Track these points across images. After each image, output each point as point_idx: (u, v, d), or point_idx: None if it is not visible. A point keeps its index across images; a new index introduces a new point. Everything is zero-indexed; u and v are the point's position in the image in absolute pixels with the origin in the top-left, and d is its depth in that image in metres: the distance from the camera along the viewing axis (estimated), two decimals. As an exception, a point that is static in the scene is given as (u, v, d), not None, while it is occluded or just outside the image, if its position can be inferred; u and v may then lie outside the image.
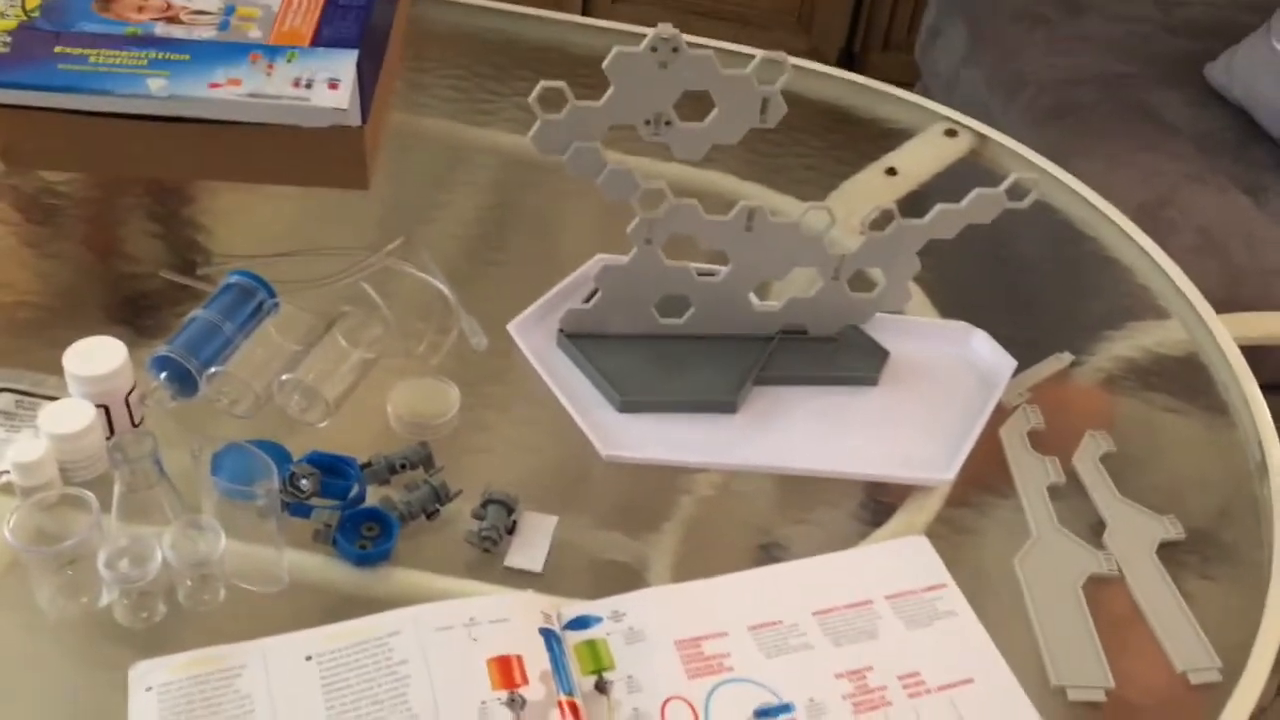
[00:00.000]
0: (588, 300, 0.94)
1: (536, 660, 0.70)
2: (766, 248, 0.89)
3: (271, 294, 0.92)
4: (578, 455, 0.87)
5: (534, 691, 0.68)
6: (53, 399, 0.84)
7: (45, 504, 0.71)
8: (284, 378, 0.85)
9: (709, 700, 0.71)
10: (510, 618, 0.72)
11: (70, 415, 0.78)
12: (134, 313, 0.96)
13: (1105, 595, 0.80)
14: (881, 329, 0.96)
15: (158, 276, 0.96)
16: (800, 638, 0.75)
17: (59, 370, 0.81)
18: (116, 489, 0.72)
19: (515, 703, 0.67)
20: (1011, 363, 0.95)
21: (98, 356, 0.80)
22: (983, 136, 1.21)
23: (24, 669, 0.72)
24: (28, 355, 0.88)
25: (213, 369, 0.85)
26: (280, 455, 0.82)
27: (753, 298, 0.93)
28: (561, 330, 0.94)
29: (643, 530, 0.83)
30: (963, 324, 0.99)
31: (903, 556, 0.81)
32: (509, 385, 0.92)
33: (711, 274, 0.91)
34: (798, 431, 0.90)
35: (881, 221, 0.89)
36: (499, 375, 0.93)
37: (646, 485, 0.87)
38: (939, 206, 0.89)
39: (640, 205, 0.86)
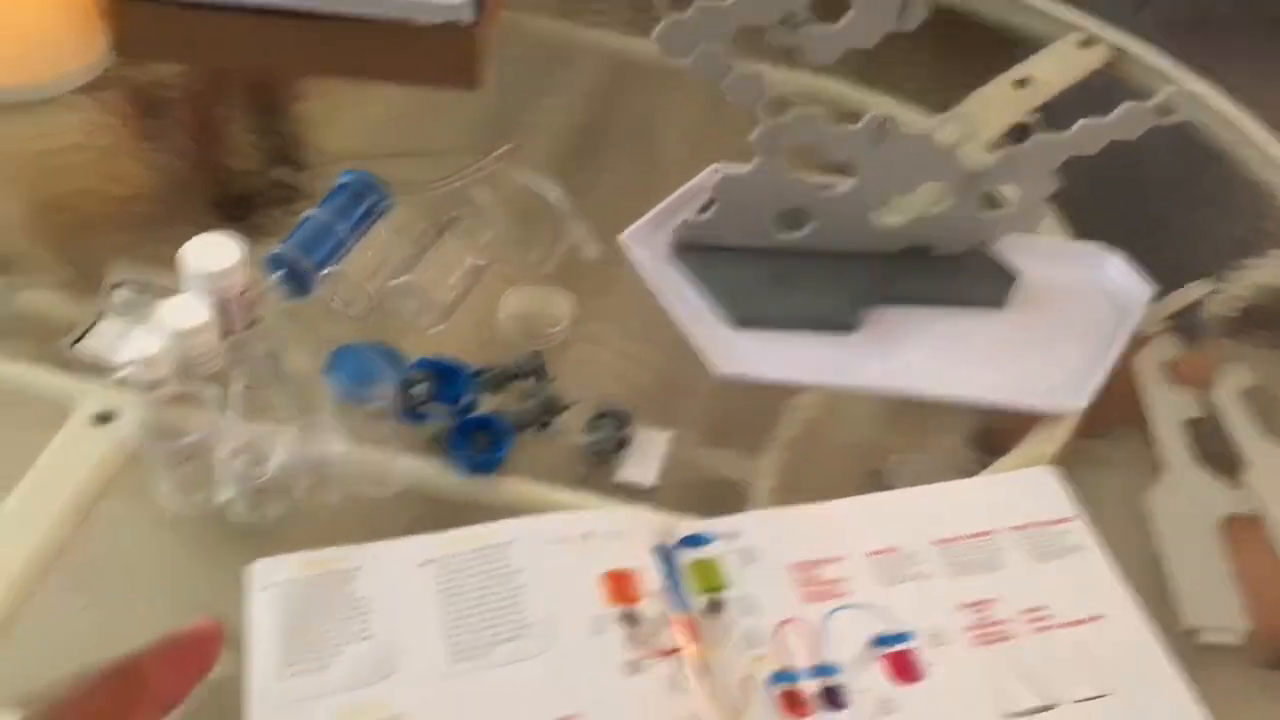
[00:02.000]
0: (703, 211, 0.92)
1: (650, 577, 0.68)
2: (895, 160, 0.85)
3: (384, 196, 0.90)
4: (689, 371, 0.84)
5: (648, 608, 0.67)
6: (169, 294, 0.84)
7: (165, 399, 0.71)
8: (397, 281, 0.83)
9: (826, 624, 0.69)
10: (625, 533, 0.70)
11: (186, 311, 0.77)
12: (246, 211, 0.95)
13: (1243, 536, 0.77)
14: (1011, 250, 0.92)
15: (268, 175, 0.96)
16: (919, 566, 0.73)
17: (174, 266, 0.81)
18: (234, 386, 0.72)
19: (629, 619, 0.66)
20: (1148, 289, 0.90)
21: (213, 253, 0.79)
22: (1119, 48, 1.14)
23: (143, 563, 0.73)
24: (143, 250, 0.88)
25: (326, 270, 0.84)
26: (393, 359, 0.81)
27: (876, 214, 0.89)
28: (675, 242, 0.92)
29: (753, 450, 0.81)
30: (1097, 246, 0.94)
31: (1027, 487, 0.78)
32: (620, 297, 0.90)
33: (833, 187, 0.88)
34: (919, 354, 0.87)
35: (1019, 135, 0.84)
36: (610, 286, 0.91)
37: (758, 404, 0.84)
38: (1082, 121, 0.83)
39: (765, 112, 0.82)
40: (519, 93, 1.08)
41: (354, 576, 0.67)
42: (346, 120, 1.04)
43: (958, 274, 0.91)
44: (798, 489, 0.78)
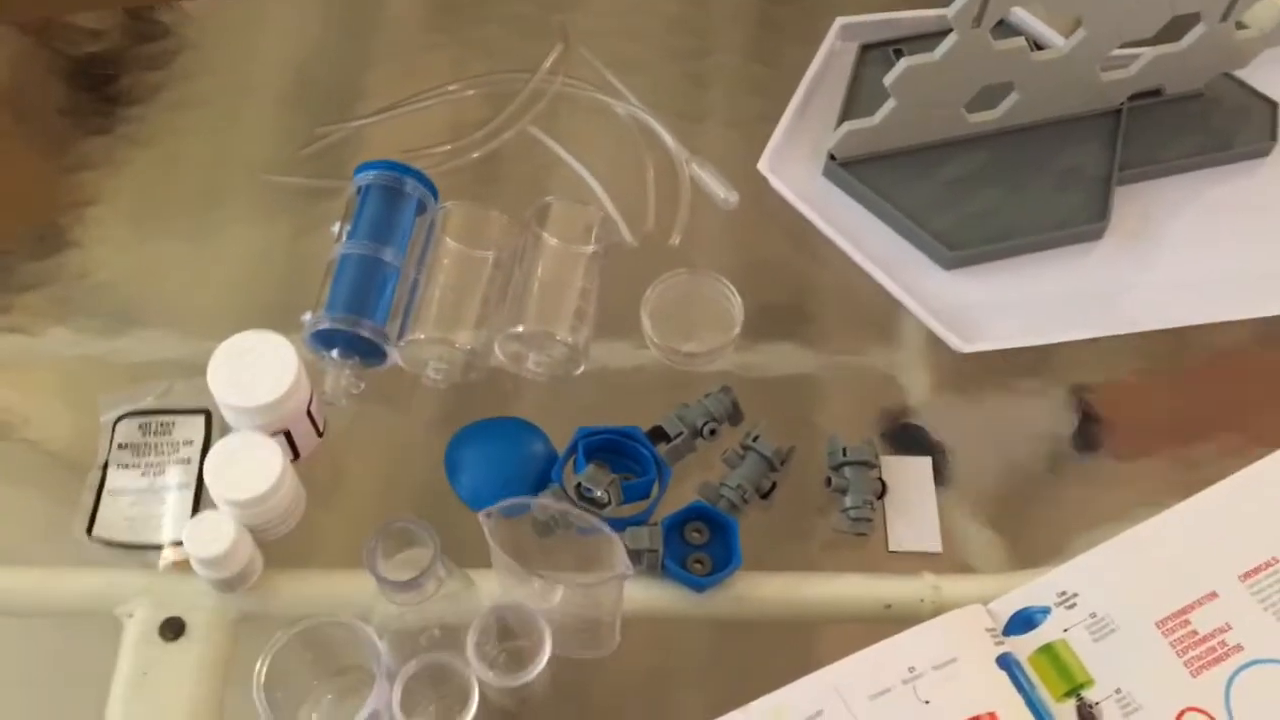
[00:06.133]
0: (847, 109, 0.67)
1: (1013, 711, 0.50)
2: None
3: (428, 185, 0.64)
4: (907, 351, 0.63)
5: (1029, 762, 0.49)
6: (188, 413, 0.59)
7: (310, 636, 0.49)
8: (514, 330, 0.59)
9: (1227, 700, 0.53)
10: (956, 653, 0.52)
11: (244, 464, 0.53)
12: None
13: None
14: (1260, 74, 0.69)
15: (256, 180, 0.68)
16: (1309, 577, 0.56)
17: (179, 354, 0.57)
18: (387, 608, 0.49)
19: (1012, 787, 0.49)
20: None
21: (258, 367, 0.54)
22: None
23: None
24: (129, 342, 0.63)
25: (404, 340, 0.59)
26: (530, 437, 0.59)
27: (1098, 67, 0.65)
28: (832, 157, 0.67)
29: (1030, 457, 0.60)
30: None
31: None
32: (782, 255, 0.66)
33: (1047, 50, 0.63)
34: (1191, 252, 0.65)
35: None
36: (761, 241, 0.67)
37: (1012, 384, 0.62)
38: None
39: (974, -21, 0.57)
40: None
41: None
42: (317, 71, 0.74)
43: (1204, 119, 0.69)
44: (1115, 499, 0.58)
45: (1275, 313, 0.63)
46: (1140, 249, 0.66)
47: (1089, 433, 0.62)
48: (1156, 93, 0.69)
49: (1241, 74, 0.70)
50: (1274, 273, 0.64)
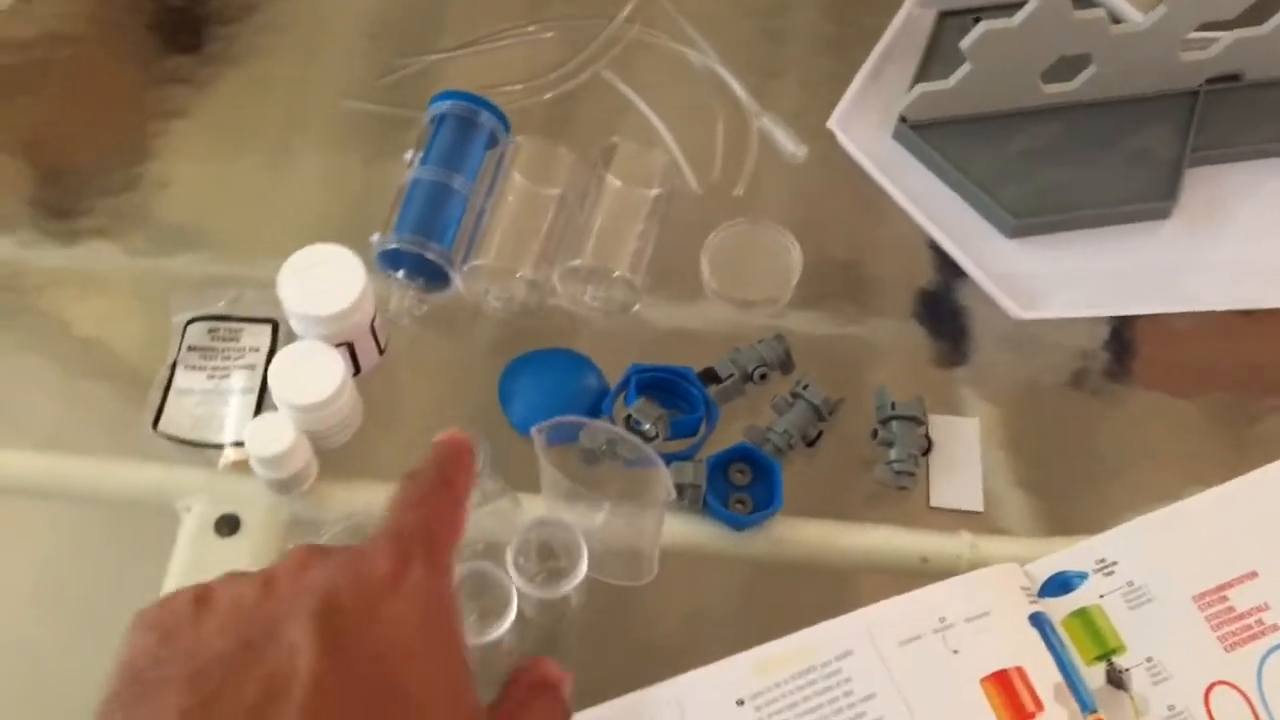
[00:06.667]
0: (922, 70, 0.67)
1: (1042, 668, 0.51)
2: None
3: (501, 119, 0.65)
4: (966, 314, 0.63)
5: (1053, 719, 0.50)
6: (257, 321, 0.61)
7: (356, 531, 0.51)
8: (573, 264, 0.60)
9: (1259, 678, 0.53)
10: (989, 607, 0.52)
11: (308, 371, 0.55)
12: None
13: None
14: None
15: (335, 105, 0.70)
16: (1354, 564, 0.55)
17: (249, 271, 0.59)
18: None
19: (1036, 742, 0.49)
20: None
21: (327, 279, 0.56)
22: None
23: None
24: (203, 255, 0.65)
25: (468, 265, 0.61)
26: (586, 370, 0.60)
27: (1178, 45, 0.65)
28: (904, 120, 0.68)
29: (1081, 430, 0.60)
30: None
31: None
32: (846, 212, 0.67)
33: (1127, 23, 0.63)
34: (1262, 238, 0.65)
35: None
36: (827, 197, 0.67)
37: (1063, 349, 0.63)
38: None
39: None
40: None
41: (652, 739, 0.50)
42: (396, 10, 0.76)
43: (1281, 107, 0.69)
44: (1161, 477, 0.58)
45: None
46: (1207, 230, 0.65)
47: (1139, 407, 0.62)
48: (1236, 78, 0.68)
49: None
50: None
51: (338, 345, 0.57)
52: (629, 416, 0.56)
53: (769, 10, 0.75)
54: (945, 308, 0.64)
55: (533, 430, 0.49)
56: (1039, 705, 0.50)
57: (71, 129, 0.70)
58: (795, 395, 0.58)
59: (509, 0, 0.75)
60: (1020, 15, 0.61)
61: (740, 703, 0.50)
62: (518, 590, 0.51)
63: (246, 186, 0.68)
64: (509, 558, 0.51)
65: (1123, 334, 0.63)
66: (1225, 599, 0.54)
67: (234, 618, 0.35)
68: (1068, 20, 0.61)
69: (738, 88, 0.70)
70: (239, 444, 0.57)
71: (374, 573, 0.36)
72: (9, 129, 0.69)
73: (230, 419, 0.58)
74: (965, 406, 0.60)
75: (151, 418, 0.59)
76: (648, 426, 0.56)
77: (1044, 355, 0.63)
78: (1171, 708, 0.51)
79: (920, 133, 0.67)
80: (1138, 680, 0.52)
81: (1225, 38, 0.65)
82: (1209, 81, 0.68)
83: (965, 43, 0.63)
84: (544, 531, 0.52)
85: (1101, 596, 0.54)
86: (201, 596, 0.37)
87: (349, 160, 0.68)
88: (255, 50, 0.72)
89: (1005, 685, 0.50)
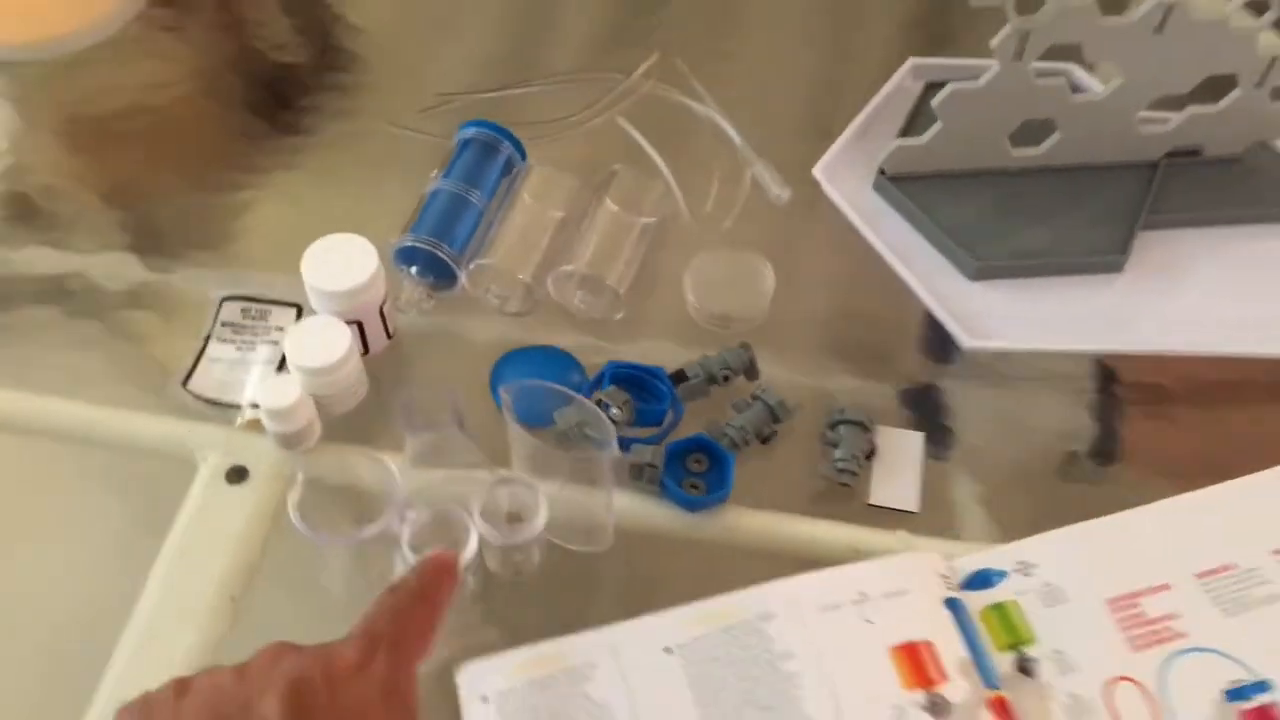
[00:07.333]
0: (906, 130, 0.74)
1: (950, 645, 0.55)
2: (1176, 53, 0.66)
3: (518, 147, 0.74)
4: (924, 344, 0.69)
5: (955, 689, 0.53)
6: (283, 305, 0.69)
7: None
8: (565, 269, 0.68)
9: (1164, 678, 0.56)
10: (907, 588, 0.57)
11: (318, 340, 0.62)
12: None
13: None
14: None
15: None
16: (1265, 586, 0.58)
17: (280, 264, 0.66)
18: (408, 451, 0.58)
19: (937, 706, 0.53)
20: None
21: (344, 262, 0.64)
22: None
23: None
24: (238, 246, 0.74)
25: (474, 263, 0.68)
26: (569, 365, 0.67)
27: (1138, 117, 0.71)
28: (882, 172, 0.75)
29: (1023, 446, 0.65)
30: None
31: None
32: (822, 250, 0.74)
33: (1088, 92, 0.70)
34: (1209, 295, 0.70)
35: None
36: (807, 236, 0.74)
37: (1017, 383, 0.68)
38: None
39: (1014, 10, 0.64)
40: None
41: (587, 676, 0.54)
42: (442, 51, 0.86)
43: (1239, 180, 0.74)
44: (1096, 495, 0.63)
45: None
46: (1158, 285, 0.70)
47: (1106, 450, 0.66)
48: (1196, 152, 0.74)
49: (1280, 145, 0.75)
50: (1282, 320, 0.68)
51: (349, 322, 0.64)
52: (599, 400, 0.62)
53: (772, 71, 0.83)
54: (911, 338, 0.70)
55: (501, 390, 0.56)
56: (943, 676, 0.54)
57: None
58: (755, 397, 0.64)
59: (538, 54, 0.84)
60: (984, 77, 0.68)
61: (668, 650, 0.55)
62: (482, 538, 0.56)
63: (294, 196, 0.77)
64: (474, 508, 0.57)
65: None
66: (1137, 604, 0.58)
67: (211, 698, 0.42)
68: (1029, 85, 0.68)
69: (735, 136, 0.77)
70: (255, 405, 0.65)
71: (341, 661, 0.43)
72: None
73: (250, 384, 0.66)
74: (929, 421, 0.66)
75: (183, 378, 0.66)
76: (615, 410, 0.62)
77: (1010, 385, 0.68)
78: (1073, 695, 0.55)
79: (898, 185, 0.74)
80: (1045, 670, 0.56)
81: (1180, 115, 0.72)
82: (1170, 155, 0.74)
83: (936, 101, 0.70)
84: (510, 488, 0.58)
85: (1019, 594, 0.58)
86: (182, 684, 0.43)
87: (385, 176, 0.77)
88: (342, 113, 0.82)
89: (913, 655, 0.54)
